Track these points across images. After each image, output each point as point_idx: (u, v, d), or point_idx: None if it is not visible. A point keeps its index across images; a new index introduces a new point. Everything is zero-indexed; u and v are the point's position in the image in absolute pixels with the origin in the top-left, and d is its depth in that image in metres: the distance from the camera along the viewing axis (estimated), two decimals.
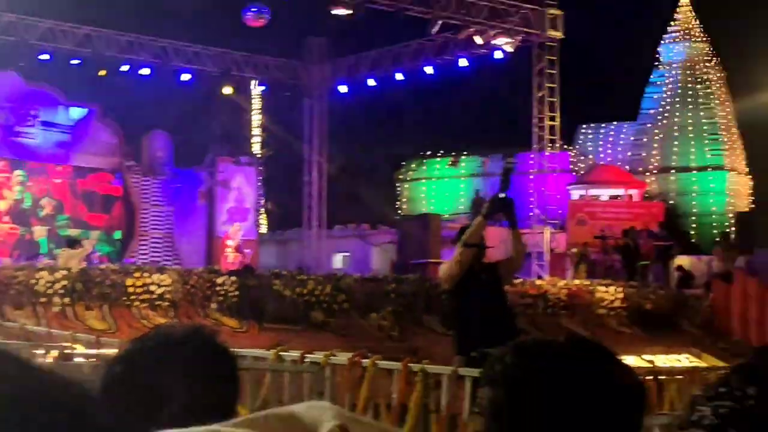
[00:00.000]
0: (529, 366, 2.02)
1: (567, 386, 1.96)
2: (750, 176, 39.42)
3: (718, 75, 39.58)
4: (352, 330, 20.72)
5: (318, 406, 0.81)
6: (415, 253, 26.86)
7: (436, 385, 9.33)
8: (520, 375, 2.01)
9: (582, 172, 38.33)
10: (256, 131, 39.59)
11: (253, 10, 29.38)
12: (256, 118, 39.77)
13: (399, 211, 41.23)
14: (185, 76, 34.62)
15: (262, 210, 37.72)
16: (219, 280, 21.01)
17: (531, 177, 34.30)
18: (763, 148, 38.27)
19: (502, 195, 9.19)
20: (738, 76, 39.34)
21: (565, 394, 1.94)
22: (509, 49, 33.35)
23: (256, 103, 39.58)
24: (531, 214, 33.79)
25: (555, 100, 34.01)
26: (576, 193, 35.67)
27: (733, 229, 35.78)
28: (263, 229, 38.44)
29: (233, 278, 21.31)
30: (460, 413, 8.86)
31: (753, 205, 38.91)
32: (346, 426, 0.73)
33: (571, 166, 38.54)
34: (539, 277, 27.86)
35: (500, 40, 33.09)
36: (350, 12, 29.73)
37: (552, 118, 34.05)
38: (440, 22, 31.62)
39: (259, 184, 35.83)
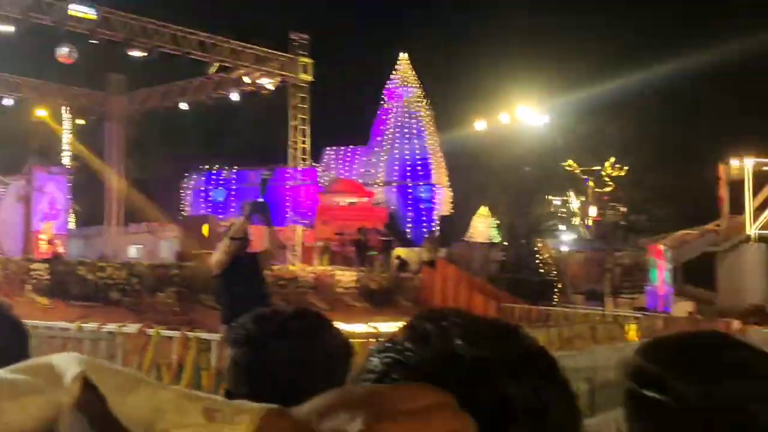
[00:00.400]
0: (263, 330, 2.04)
1: (291, 345, 1.99)
2: (450, 189, 40.68)
3: (428, 113, 40.68)
4: (142, 306, 20.32)
5: (68, 355, 0.78)
6: (195, 245, 26.44)
7: (207, 348, 9.25)
8: (256, 337, 2.03)
9: (327, 184, 38.63)
10: (67, 147, 38.16)
11: (64, 49, 28.11)
12: (67, 137, 38.34)
13: (183, 212, 40.46)
14: (7, 101, 33.34)
15: (71, 210, 36.29)
16: (34, 267, 20.29)
17: (287, 187, 34.37)
18: (460, 168, 39.65)
19: (259, 200, 9.20)
20: (442, 115, 40.63)
21: (290, 351, 1.98)
22: (271, 87, 33.48)
23: (67, 125, 38.14)
24: (287, 215, 33.86)
25: (306, 128, 34.31)
26: (322, 200, 35.92)
27: (438, 228, 36.84)
28: (72, 226, 36.99)
29: (46, 265, 20.56)
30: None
31: (453, 211, 40.18)
32: (86, 373, 0.71)
33: (319, 179, 38.79)
34: (293, 264, 27.91)
35: (264, 80, 33.15)
36: (144, 54, 29.12)
37: (303, 142, 34.31)
38: (217, 64, 31.46)
39: (69, 189, 34.46)
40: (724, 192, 40.82)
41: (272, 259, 10.43)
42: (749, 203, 39.69)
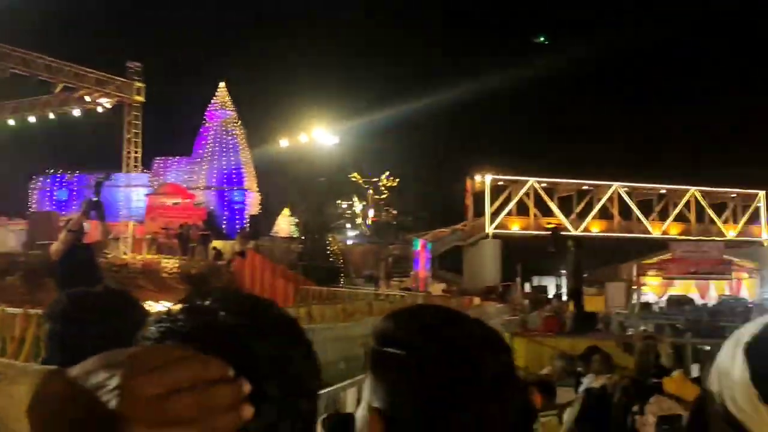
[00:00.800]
0: (76, 307, 1.96)
1: (101, 320, 1.91)
2: (259, 193, 40.28)
3: (242, 131, 40.05)
4: None
5: None
6: (41, 236, 24.81)
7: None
8: (70, 313, 1.95)
9: (156, 187, 37.26)
10: None
11: None
12: None
13: (30, 209, 37.84)
14: None
15: None
16: None
17: (121, 189, 33.02)
18: (267, 176, 39.56)
19: (94, 199, 8.80)
20: (254, 133, 40.32)
21: (99, 325, 1.88)
22: (109, 105, 32.43)
23: None
24: (121, 212, 32.52)
25: (138, 140, 33.51)
26: (151, 200, 34.61)
27: (248, 225, 36.37)
28: None
29: None
30: None
31: (261, 211, 39.81)
32: None
33: (149, 183, 37.34)
34: (125, 253, 26.75)
35: (103, 100, 32.04)
36: None
37: (136, 152, 33.31)
38: (61, 84, 30.03)
39: None
40: (469, 200, 42.97)
41: (105, 249, 9.98)
42: (488, 209, 41.95)
